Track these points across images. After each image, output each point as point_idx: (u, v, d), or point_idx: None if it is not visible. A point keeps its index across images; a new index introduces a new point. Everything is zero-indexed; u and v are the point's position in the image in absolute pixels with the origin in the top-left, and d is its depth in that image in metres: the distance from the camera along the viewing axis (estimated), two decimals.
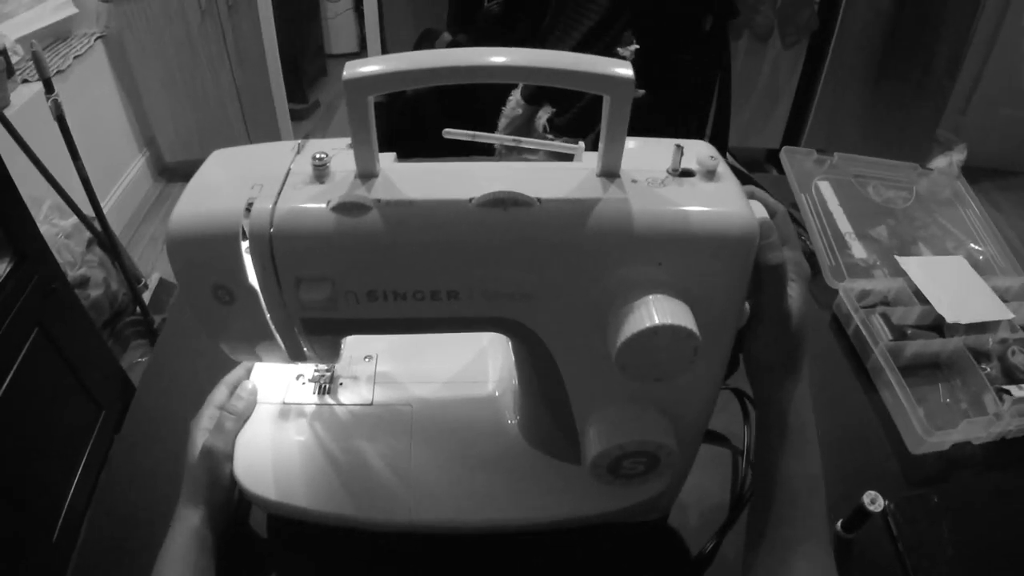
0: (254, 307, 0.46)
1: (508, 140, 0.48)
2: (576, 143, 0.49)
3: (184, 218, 0.44)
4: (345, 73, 0.40)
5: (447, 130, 0.48)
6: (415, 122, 1.24)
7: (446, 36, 1.27)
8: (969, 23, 2.43)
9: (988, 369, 0.87)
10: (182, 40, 2.57)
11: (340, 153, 0.47)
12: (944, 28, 2.40)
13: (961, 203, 1.20)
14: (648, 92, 1.04)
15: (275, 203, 0.43)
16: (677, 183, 0.45)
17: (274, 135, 2.79)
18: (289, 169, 0.46)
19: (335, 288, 0.44)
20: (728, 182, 0.46)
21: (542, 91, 1.10)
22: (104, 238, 1.87)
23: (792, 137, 2.71)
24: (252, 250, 0.43)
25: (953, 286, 0.98)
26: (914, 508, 0.71)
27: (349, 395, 0.63)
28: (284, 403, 0.63)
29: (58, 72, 2.23)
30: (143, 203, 2.80)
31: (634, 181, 0.45)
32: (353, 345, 0.68)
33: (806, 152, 1.15)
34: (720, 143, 1.30)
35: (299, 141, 0.49)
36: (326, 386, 0.63)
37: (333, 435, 0.60)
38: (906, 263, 1.00)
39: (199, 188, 0.47)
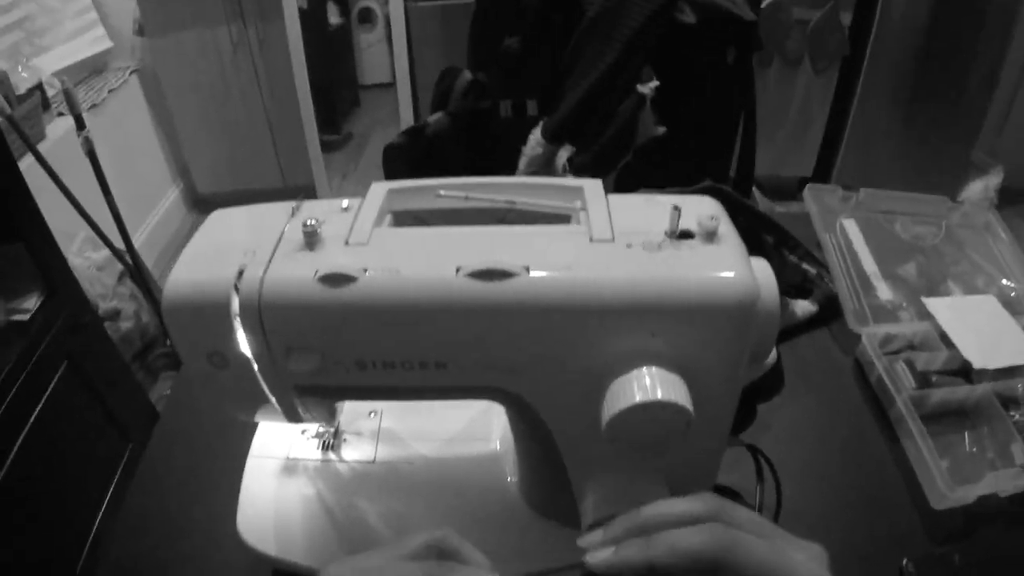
0: (248, 373, 0.46)
1: (501, 202, 0.47)
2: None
3: (178, 285, 0.44)
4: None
5: (441, 192, 0.47)
6: (436, 160, 1.24)
7: (466, 75, 1.27)
8: (1004, 40, 2.36)
9: (1017, 416, 0.83)
10: (215, 73, 2.63)
11: (333, 217, 0.47)
12: (979, 46, 2.34)
13: (992, 235, 1.16)
14: (669, 129, 1.03)
15: (265, 272, 0.43)
16: (674, 247, 0.44)
17: (306, 167, 2.82)
18: (282, 234, 0.46)
19: (324, 359, 0.43)
20: (728, 243, 0.44)
21: (562, 129, 1.09)
22: (135, 271, 1.91)
23: (825, 163, 2.65)
24: (243, 320, 0.43)
25: (982, 328, 0.93)
26: (934, 568, 0.67)
27: (352, 452, 0.62)
28: (288, 458, 0.62)
29: (93, 106, 2.30)
30: (176, 234, 2.85)
31: (628, 246, 0.44)
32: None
33: (831, 189, 1.11)
34: (745, 179, 1.28)
35: (294, 204, 0.49)
36: (330, 442, 0.63)
37: (335, 493, 0.59)
38: (933, 305, 0.95)
39: (195, 253, 0.47)
